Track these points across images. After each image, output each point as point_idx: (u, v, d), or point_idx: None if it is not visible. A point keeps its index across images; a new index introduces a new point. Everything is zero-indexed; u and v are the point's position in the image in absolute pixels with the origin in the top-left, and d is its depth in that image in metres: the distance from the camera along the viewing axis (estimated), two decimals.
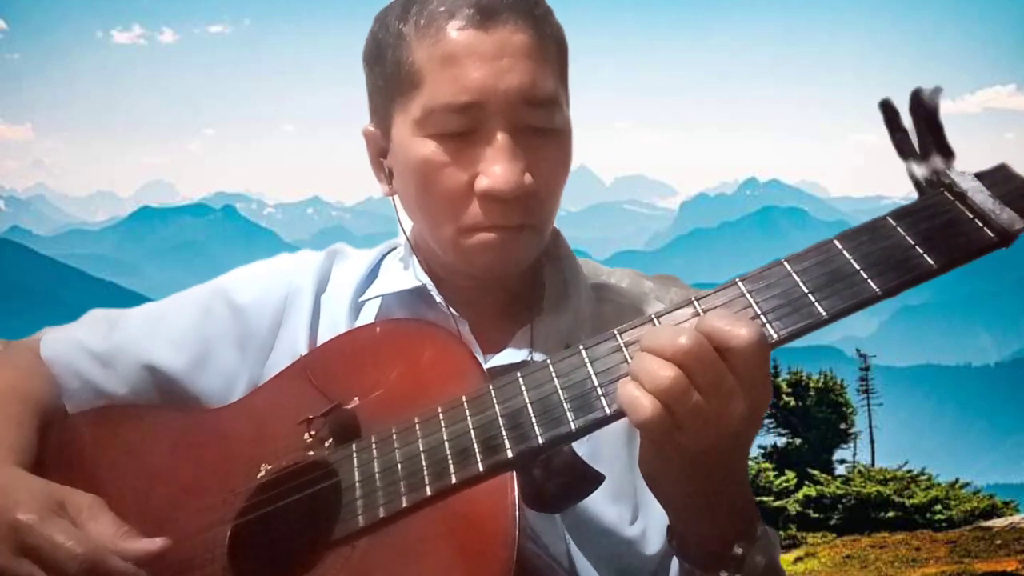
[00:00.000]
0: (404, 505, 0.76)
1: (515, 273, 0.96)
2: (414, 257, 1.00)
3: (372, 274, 1.04)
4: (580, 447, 0.78)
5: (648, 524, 0.92)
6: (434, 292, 0.95)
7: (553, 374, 0.75)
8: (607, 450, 0.92)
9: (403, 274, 1.00)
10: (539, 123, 0.89)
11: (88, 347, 1.03)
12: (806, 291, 0.69)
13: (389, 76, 0.91)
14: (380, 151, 0.97)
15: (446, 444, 0.77)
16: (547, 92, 0.89)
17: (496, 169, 0.86)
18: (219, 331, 1.01)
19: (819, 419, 16.14)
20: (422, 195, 0.91)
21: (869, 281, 0.67)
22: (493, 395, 0.77)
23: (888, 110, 0.72)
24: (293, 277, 1.03)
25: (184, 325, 1.02)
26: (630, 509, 0.92)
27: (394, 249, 1.07)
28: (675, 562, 0.90)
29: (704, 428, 0.68)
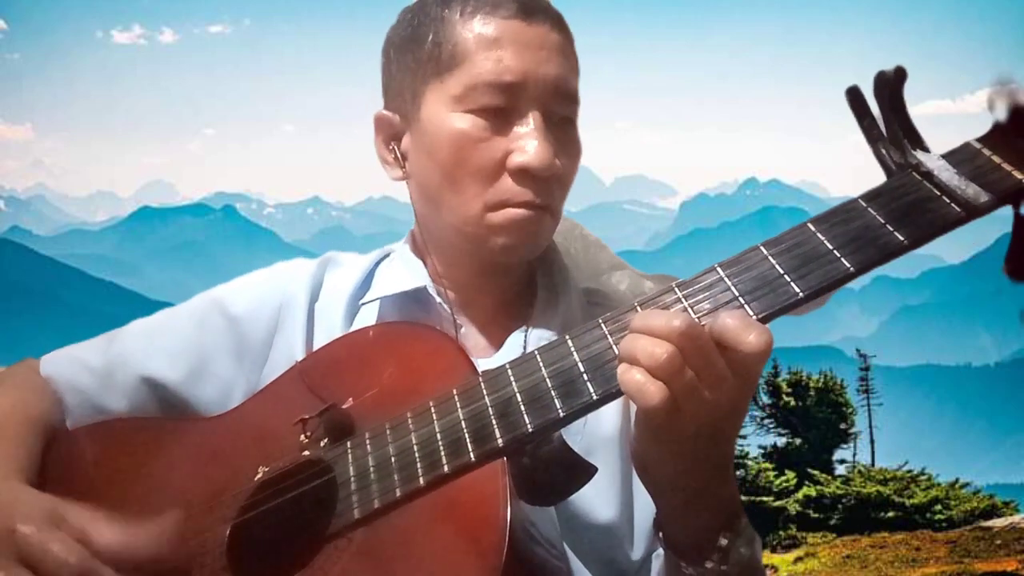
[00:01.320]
0: (398, 496, 0.77)
1: (526, 259, 0.99)
2: (416, 258, 1.02)
3: (366, 281, 1.05)
4: (575, 444, 0.79)
5: (636, 528, 0.93)
6: (433, 293, 0.98)
7: (540, 363, 0.76)
8: (602, 449, 0.94)
9: (401, 277, 1.01)
10: (565, 114, 0.96)
11: (86, 362, 1.05)
12: (782, 272, 0.71)
13: (426, 57, 0.95)
14: (393, 135, 1.00)
15: (438, 436, 0.78)
16: (574, 87, 0.97)
17: (532, 146, 0.90)
18: (215, 342, 1.03)
19: (819, 419, 16.12)
20: (453, 169, 0.93)
21: (842, 259, 0.69)
22: (483, 387, 0.78)
23: (854, 97, 0.73)
24: (287, 286, 1.05)
25: (180, 337, 1.04)
26: (623, 509, 0.93)
27: (388, 256, 1.08)
28: (656, 563, 0.91)
29: (698, 408, 0.69)
